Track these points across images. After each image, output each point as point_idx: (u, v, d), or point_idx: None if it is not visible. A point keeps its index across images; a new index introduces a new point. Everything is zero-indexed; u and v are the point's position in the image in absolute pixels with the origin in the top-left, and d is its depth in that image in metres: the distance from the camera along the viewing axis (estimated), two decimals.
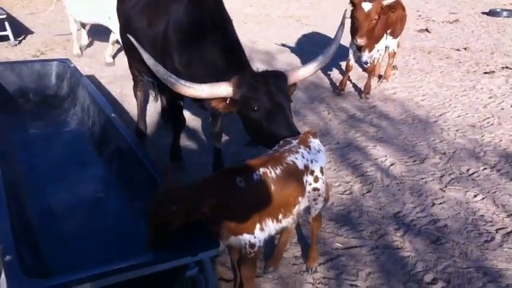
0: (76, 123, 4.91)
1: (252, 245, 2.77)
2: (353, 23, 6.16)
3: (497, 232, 3.94)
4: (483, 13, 12.91)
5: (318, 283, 3.34)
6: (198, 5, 3.70)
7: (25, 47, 9.13)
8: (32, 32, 10.18)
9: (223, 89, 3.19)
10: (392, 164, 5.01)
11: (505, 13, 12.51)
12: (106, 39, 8.40)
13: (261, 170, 2.75)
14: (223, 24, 3.68)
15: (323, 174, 2.98)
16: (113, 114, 4.23)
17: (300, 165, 2.88)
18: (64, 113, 5.16)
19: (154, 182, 3.23)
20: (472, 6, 13.75)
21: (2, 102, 5.16)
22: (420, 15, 12.62)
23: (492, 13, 12.65)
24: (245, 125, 3.35)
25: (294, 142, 2.97)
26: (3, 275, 2.56)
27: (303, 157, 2.91)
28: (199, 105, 3.94)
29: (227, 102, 3.23)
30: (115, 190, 3.75)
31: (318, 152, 3.00)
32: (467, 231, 3.93)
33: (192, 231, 2.64)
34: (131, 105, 6.13)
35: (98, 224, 3.42)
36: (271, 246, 3.59)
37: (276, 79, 3.24)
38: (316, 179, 2.95)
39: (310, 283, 3.33)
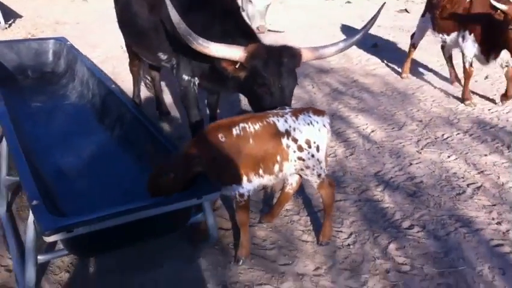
0: (75, 96, 5.18)
1: (241, 195, 3.15)
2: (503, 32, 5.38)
3: (468, 186, 4.34)
4: None
5: (307, 230, 3.71)
6: None
7: (16, 30, 9.35)
8: (20, 16, 10.35)
9: (236, 52, 3.38)
10: (372, 131, 5.39)
11: None
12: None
13: (241, 125, 3.06)
14: (233, 10, 3.89)
15: (311, 148, 3.17)
16: (113, 86, 4.52)
17: (281, 128, 3.11)
18: (63, 87, 5.40)
19: (157, 141, 3.56)
20: None
21: (2, 79, 5.38)
22: None
23: None
24: (245, 90, 3.61)
25: (287, 109, 3.25)
26: (30, 217, 2.89)
27: (286, 122, 3.13)
28: (205, 86, 4.18)
29: (236, 66, 3.44)
30: (119, 152, 4.05)
31: (308, 124, 3.17)
32: (441, 186, 4.33)
33: (195, 179, 2.99)
34: (124, 82, 6.43)
35: (106, 183, 3.70)
36: (269, 204, 3.98)
37: (290, 59, 3.38)
38: (300, 148, 3.15)
39: (300, 230, 3.70)
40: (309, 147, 3.18)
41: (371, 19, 3.78)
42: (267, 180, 3.24)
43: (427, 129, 5.45)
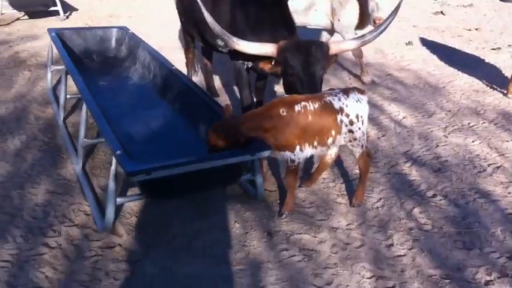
0: (137, 77, 5.82)
1: (292, 161, 3.69)
2: None
3: (488, 166, 4.80)
4: None
5: (341, 194, 4.24)
6: None
7: (73, 21, 10.06)
8: (76, 9, 11.11)
9: (268, 49, 3.90)
10: (404, 117, 5.87)
11: None
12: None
13: (302, 103, 3.60)
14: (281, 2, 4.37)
15: (359, 122, 3.72)
16: (173, 67, 5.14)
17: (336, 105, 3.66)
18: (125, 70, 6.06)
19: (215, 113, 4.12)
20: None
21: (72, 61, 6.06)
22: (436, 0, 13.31)
23: None
24: (283, 84, 4.11)
25: (337, 90, 3.81)
26: (113, 165, 3.49)
27: (340, 100, 3.69)
28: (253, 67, 4.68)
29: (272, 63, 3.96)
30: (180, 122, 4.65)
31: (357, 101, 3.73)
32: (464, 165, 4.79)
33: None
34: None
35: (170, 147, 4.28)
36: (308, 172, 4.53)
37: (317, 49, 3.84)
38: (351, 122, 3.70)
39: (335, 194, 4.24)
40: (358, 121, 3.72)
41: (392, 12, 4.11)
42: (319, 150, 3.79)
43: (455, 117, 5.90)
